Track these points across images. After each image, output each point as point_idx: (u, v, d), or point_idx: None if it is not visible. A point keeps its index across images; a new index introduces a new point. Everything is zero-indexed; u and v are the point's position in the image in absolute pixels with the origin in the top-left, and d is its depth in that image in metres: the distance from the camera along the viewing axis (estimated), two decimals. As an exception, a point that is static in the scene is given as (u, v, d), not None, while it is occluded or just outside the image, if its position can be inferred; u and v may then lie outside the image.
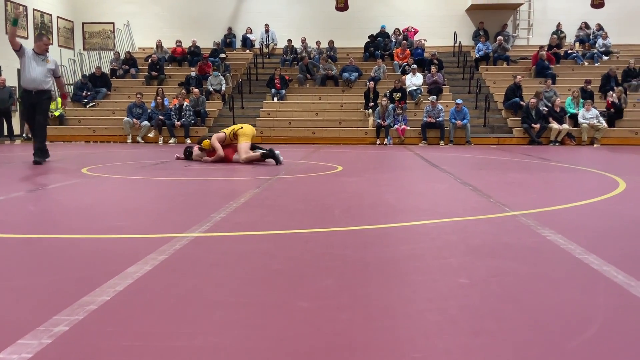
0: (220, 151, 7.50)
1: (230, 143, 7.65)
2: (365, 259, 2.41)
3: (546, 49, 16.96)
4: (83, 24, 20.31)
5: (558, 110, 13.91)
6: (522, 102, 14.40)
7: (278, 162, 7.25)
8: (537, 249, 2.62)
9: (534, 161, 8.40)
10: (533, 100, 13.83)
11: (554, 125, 13.65)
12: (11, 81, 16.40)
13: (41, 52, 7.34)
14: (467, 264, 2.35)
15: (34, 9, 17.98)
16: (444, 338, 1.54)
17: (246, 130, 7.66)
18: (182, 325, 1.62)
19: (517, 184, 5.44)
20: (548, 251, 2.59)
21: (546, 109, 13.97)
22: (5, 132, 15.03)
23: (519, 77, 14.98)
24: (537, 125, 13.65)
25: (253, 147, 7.60)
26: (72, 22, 20.16)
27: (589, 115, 13.71)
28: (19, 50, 7.15)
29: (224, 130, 7.87)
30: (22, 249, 2.62)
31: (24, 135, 15.40)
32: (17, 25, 7.35)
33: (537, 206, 3.87)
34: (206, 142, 7.76)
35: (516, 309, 1.80)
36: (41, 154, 7.37)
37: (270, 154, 7.34)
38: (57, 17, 19.29)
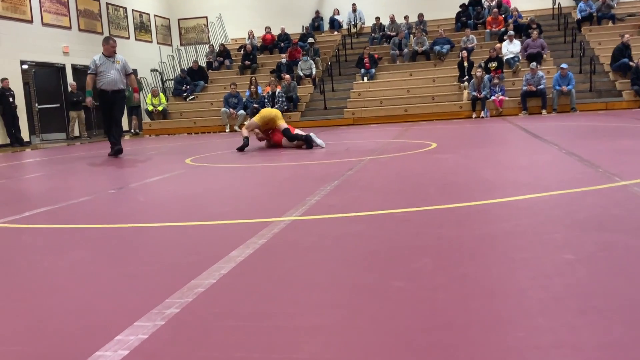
0: (264, 136, 7.63)
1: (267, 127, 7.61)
2: (462, 237, 2.36)
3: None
4: (179, 20, 21.22)
5: (674, 68, 12.76)
6: (631, 63, 13.35)
7: (310, 146, 7.12)
8: (651, 221, 2.44)
9: (648, 125, 7.78)
10: (644, 59, 12.78)
11: (670, 84, 12.55)
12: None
13: (109, 54, 7.88)
14: (573, 238, 2.24)
15: (133, 10, 19.02)
16: (548, 316, 1.48)
17: (264, 113, 7.64)
18: (282, 306, 1.68)
19: (628, 152, 5.07)
20: (664, 222, 2.40)
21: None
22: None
23: (627, 35, 13.86)
24: (650, 86, 12.61)
25: (292, 137, 7.39)
26: (169, 19, 21.12)
27: None
28: (93, 74, 7.85)
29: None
30: (135, 238, 2.82)
31: (132, 131, 16.44)
32: (91, 94, 8.32)
33: (651, 174, 3.59)
34: (251, 131, 7.77)
35: (627, 284, 1.69)
36: (118, 147, 8.04)
37: (305, 140, 7.23)
38: (155, 15, 20.28)
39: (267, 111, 7.75)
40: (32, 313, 1.76)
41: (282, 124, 7.49)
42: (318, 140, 7.27)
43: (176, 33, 21.30)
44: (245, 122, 7.86)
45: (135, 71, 18.39)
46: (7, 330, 1.63)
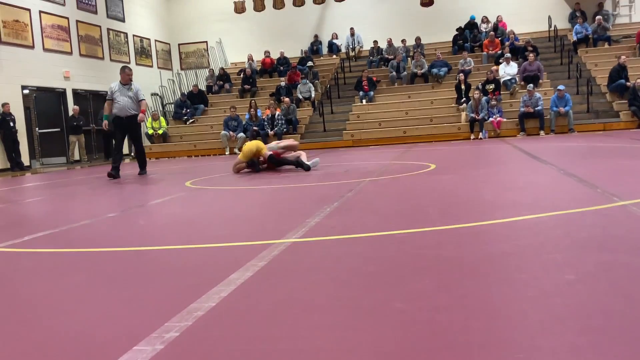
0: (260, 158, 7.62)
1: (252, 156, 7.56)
2: (462, 258, 2.36)
3: (652, 24, 15.74)
4: (179, 45, 21.44)
5: (670, 88, 12.87)
6: (628, 84, 13.46)
7: (306, 168, 7.15)
8: (651, 240, 2.44)
9: (646, 146, 7.82)
10: (640, 80, 12.89)
11: (667, 105, 12.63)
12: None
13: (125, 82, 8.46)
14: (573, 259, 2.24)
15: (133, 35, 19.23)
16: (549, 337, 1.48)
17: (244, 148, 7.61)
18: (283, 329, 1.67)
19: (627, 172, 5.09)
20: (664, 242, 2.40)
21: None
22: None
23: (623, 57, 14.01)
24: (647, 107, 12.70)
25: (279, 163, 7.47)
26: (169, 44, 21.34)
27: None
28: (110, 100, 8.46)
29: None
30: (135, 261, 2.82)
31: (132, 154, 16.49)
32: (108, 118, 8.80)
33: (650, 194, 3.60)
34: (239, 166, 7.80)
35: (628, 305, 1.69)
36: (143, 167, 8.87)
37: (296, 164, 7.29)
38: (155, 40, 20.50)
39: (247, 146, 7.65)
40: (32, 338, 1.76)
41: (266, 152, 7.46)
42: (308, 163, 7.30)
43: (176, 57, 21.51)
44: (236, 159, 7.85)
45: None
46: (6, 355, 1.62)
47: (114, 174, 8.27)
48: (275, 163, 7.46)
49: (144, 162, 8.96)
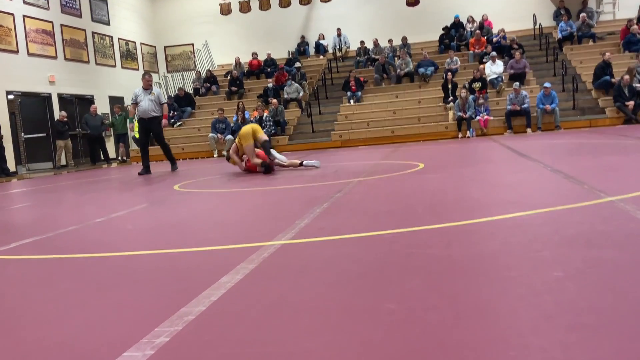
0: (242, 164, 7.63)
1: (243, 149, 7.60)
2: (452, 257, 2.37)
3: (635, 21, 15.90)
4: (165, 47, 21.35)
5: (654, 84, 13.01)
6: (613, 80, 13.58)
7: (268, 171, 7.22)
8: (637, 235, 2.46)
9: (631, 142, 7.90)
10: (626, 77, 13.01)
11: (651, 101, 12.77)
12: (103, 108, 17.51)
13: (146, 87, 9.36)
14: (561, 256, 2.25)
15: (119, 38, 19.12)
16: (539, 335, 1.48)
17: (243, 132, 7.54)
18: (274, 332, 1.67)
19: (613, 168, 5.14)
20: (650, 237, 2.43)
21: (640, 85, 13.10)
22: (102, 157, 16.06)
23: (607, 54, 14.14)
24: (631, 103, 12.83)
25: (268, 152, 7.49)
26: (155, 47, 21.25)
27: (691, 87, 12.72)
28: (135, 103, 9.40)
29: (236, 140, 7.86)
30: (123, 267, 2.79)
31: (119, 158, 16.39)
32: (133, 121, 9.72)
33: (636, 190, 3.63)
34: (231, 160, 7.85)
35: (617, 300, 1.70)
36: (173, 163, 9.81)
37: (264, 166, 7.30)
38: (141, 43, 20.39)
39: (244, 129, 7.65)
40: (19, 346, 1.74)
41: (263, 136, 7.52)
42: (311, 162, 7.55)
43: (162, 60, 21.42)
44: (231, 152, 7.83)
45: (122, 99, 18.49)
46: (-7, 365, 1.60)
47: (144, 172, 9.29)
48: (267, 150, 7.46)
49: (173, 159, 9.84)
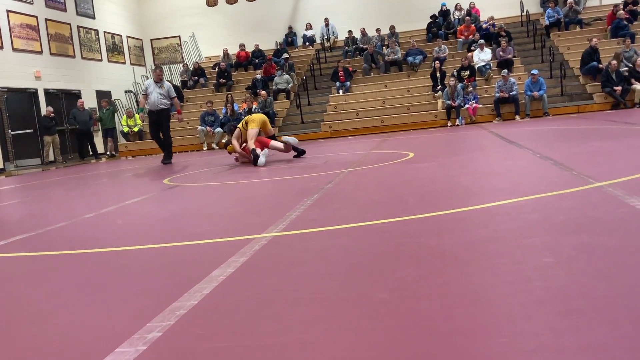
0: (239, 149, 7.73)
1: (246, 135, 7.68)
2: (442, 246, 2.38)
3: (622, 6, 15.96)
4: (151, 40, 21.17)
5: (640, 70, 13.09)
6: (600, 66, 13.65)
7: (300, 154, 7.58)
8: (627, 220, 2.48)
9: (619, 127, 7.95)
10: (613, 62, 13.08)
11: (637, 86, 12.85)
12: (90, 103, 17.36)
13: (157, 80, 9.66)
14: (551, 242, 2.27)
15: (104, 32, 18.93)
16: (531, 321, 1.49)
17: (255, 117, 7.73)
18: (266, 324, 1.67)
19: (601, 153, 5.17)
20: (639, 222, 2.44)
21: (627, 70, 13.16)
22: (90, 152, 15.94)
23: (594, 39, 14.20)
24: (619, 88, 12.91)
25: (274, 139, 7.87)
26: (141, 39, 21.06)
27: (677, 71, 12.81)
28: (144, 94, 9.70)
29: (238, 125, 7.99)
30: (114, 262, 2.78)
31: (108, 153, 16.28)
32: (143, 111, 10.02)
33: (625, 174, 3.66)
34: (230, 146, 7.92)
35: (607, 285, 1.71)
36: (168, 157, 9.86)
37: (294, 147, 7.68)
38: (127, 36, 20.21)
39: (259, 116, 7.84)
40: (11, 344, 1.72)
41: (272, 130, 7.93)
42: (290, 139, 7.82)
43: (149, 53, 21.25)
44: (232, 141, 7.88)
45: (109, 93, 18.35)
46: (-16, 364, 1.59)
47: (167, 162, 9.71)
48: (273, 138, 7.86)
49: (170, 153, 9.99)
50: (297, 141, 7.90)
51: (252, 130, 7.52)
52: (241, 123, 7.85)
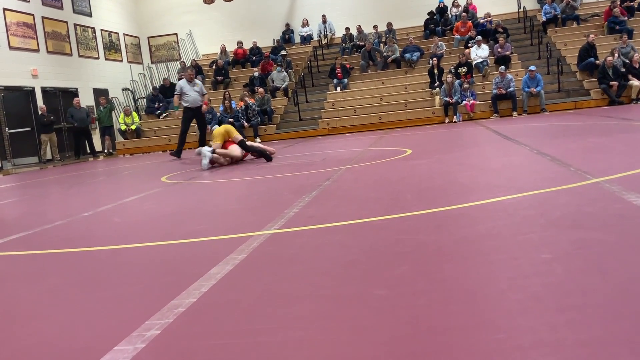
0: (227, 151, 7.73)
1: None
2: (440, 242, 2.38)
3: (618, 2, 15.95)
4: (148, 38, 21.12)
5: (637, 66, 13.10)
6: (597, 62, 13.66)
7: (269, 159, 7.47)
8: (624, 216, 2.49)
9: (616, 123, 7.96)
10: (610, 58, 13.08)
11: (634, 82, 12.87)
12: (87, 101, 17.31)
13: (189, 79, 10.50)
14: (549, 238, 2.27)
15: (101, 30, 18.88)
16: (528, 317, 1.50)
17: (215, 133, 7.81)
18: (264, 321, 1.67)
19: (599, 149, 5.18)
20: (636, 217, 2.45)
21: (624, 66, 13.17)
22: (88, 150, 15.91)
23: (591, 35, 14.20)
24: (616, 84, 12.92)
25: (247, 148, 7.81)
26: (138, 37, 21.01)
27: (674, 67, 12.82)
28: (179, 94, 10.56)
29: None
30: (112, 260, 2.78)
31: (105, 151, 16.25)
32: (178, 109, 10.89)
33: (622, 170, 3.67)
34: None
35: (604, 281, 1.72)
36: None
37: (260, 153, 7.68)
38: (124, 34, 20.16)
39: (217, 130, 7.89)
40: (9, 342, 1.72)
41: (237, 136, 7.83)
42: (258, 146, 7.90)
43: (146, 51, 21.19)
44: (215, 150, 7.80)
45: (106, 91, 18.31)
46: (-17, 363, 1.59)
47: (177, 156, 10.35)
48: (244, 148, 7.79)
49: (204, 144, 10.17)
50: (211, 151, 7.73)
51: (216, 144, 7.64)
52: (222, 134, 7.91)
